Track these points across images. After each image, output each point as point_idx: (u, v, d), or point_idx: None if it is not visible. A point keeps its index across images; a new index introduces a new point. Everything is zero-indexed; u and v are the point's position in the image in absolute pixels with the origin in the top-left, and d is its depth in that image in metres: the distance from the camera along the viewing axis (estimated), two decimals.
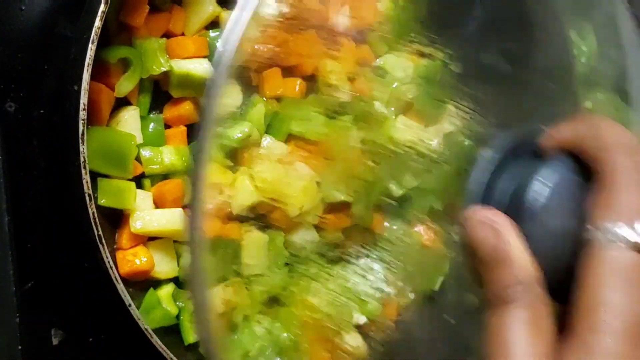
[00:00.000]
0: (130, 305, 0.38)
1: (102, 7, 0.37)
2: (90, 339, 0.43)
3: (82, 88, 0.36)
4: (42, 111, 0.42)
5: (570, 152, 0.32)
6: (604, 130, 0.31)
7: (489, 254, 0.30)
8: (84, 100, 0.36)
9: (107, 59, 0.40)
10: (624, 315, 0.28)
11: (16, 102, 0.41)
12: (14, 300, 0.39)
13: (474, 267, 0.31)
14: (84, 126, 0.37)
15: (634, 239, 0.28)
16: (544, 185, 0.31)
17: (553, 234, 0.31)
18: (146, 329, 0.39)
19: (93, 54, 0.36)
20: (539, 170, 0.32)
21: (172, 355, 0.39)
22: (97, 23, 0.37)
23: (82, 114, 0.37)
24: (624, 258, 0.28)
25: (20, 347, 0.39)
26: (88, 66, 0.36)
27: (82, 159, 0.37)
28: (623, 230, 0.28)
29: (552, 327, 0.29)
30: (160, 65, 0.41)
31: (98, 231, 0.37)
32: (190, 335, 0.41)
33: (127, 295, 0.38)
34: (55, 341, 0.42)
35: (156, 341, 0.39)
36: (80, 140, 0.37)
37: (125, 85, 0.40)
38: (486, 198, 0.33)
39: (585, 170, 0.31)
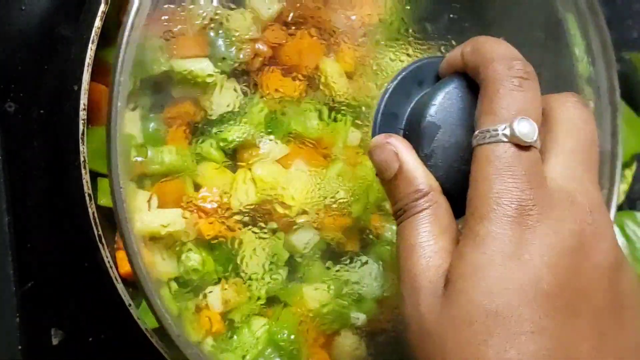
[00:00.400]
0: (130, 305, 0.38)
1: (102, 7, 0.37)
2: (90, 339, 0.43)
3: (82, 88, 0.36)
4: (42, 111, 0.42)
5: (462, 72, 0.35)
6: (482, 44, 0.34)
7: (389, 172, 0.34)
8: (84, 100, 0.36)
9: (107, 59, 0.39)
10: (508, 202, 0.30)
11: (16, 102, 0.41)
12: (14, 300, 0.39)
13: (386, 189, 0.35)
14: (84, 126, 0.37)
15: (512, 134, 0.31)
16: (436, 106, 0.35)
17: (449, 149, 0.35)
18: (146, 329, 0.39)
19: (93, 54, 0.36)
20: (433, 93, 0.36)
21: (172, 356, 0.39)
22: (97, 23, 0.37)
23: (82, 114, 0.37)
24: (504, 152, 0.31)
25: (20, 347, 0.39)
26: (88, 66, 0.36)
27: (82, 159, 0.37)
28: (503, 130, 0.31)
29: (454, 227, 0.33)
30: (160, 65, 0.41)
31: (98, 231, 0.38)
32: (190, 336, 0.41)
33: (127, 295, 0.38)
34: (55, 341, 0.42)
35: (156, 341, 0.39)
36: (80, 140, 0.37)
37: (125, 85, 0.40)
38: (390, 125, 0.37)
39: (475, 86, 0.34)
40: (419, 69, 0.38)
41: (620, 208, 0.66)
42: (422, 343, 0.31)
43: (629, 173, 0.65)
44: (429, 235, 0.32)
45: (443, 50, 0.43)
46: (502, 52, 0.33)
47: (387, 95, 0.37)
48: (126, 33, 0.36)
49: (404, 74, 0.38)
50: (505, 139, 0.31)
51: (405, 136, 0.36)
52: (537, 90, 0.33)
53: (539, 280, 0.30)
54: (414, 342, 0.32)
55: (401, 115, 0.37)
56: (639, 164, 0.67)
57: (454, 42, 0.43)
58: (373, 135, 0.37)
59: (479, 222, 0.31)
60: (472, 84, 0.35)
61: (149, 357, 0.39)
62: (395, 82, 0.37)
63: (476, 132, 0.32)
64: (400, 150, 0.34)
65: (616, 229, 0.64)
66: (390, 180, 0.34)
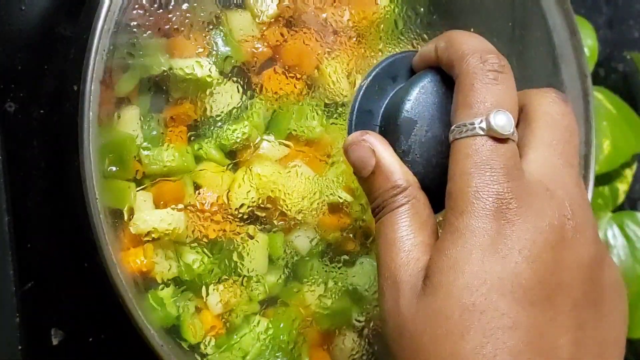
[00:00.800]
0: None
1: (105, 8, 0.37)
2: (90, 339, 0.43)
3: (87, 89, 0.36)
4: (42, 111, 0.42)
5: (436, 67, 0.35)
6: (456, 38, 0.34)
7: (366, 169, 0.34)
8: (88, 101, 0.36)
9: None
10: (486, 196, 0.30)
11: (16, 102, 0.41)
12: (14, 300, 0.39)
13: (365, 187, 0.35)
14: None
15: (489, 127, 0.31)
16: (411, 101, 0.35)
17: (427, 144, 0.35)
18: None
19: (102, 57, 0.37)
20: (408, 88, 0.36)
21: (172, 356, 0.39)
22: (99, 24, 0.37)
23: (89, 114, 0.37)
24: (481, 145, 0.31)
25: (20, 347, 0.39)
26: (92, 70, 0.36)
27: (82, 159, 0.37)
28: (479, 123, 0.31)
29: (433, 222, 0.33)
30: (160, 65, 0.41)
31: (98, 231, 0.37)
32: (190, 336, 0.41)
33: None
34: (55, 341, 0.42)
35: (156, 342, 0.39)
36: (80, 141, 0.37)
37: (125, 85, 0.40)
38: (365, 122, 0.37)
39: (450, 80, 0.34)
40: (392, 64, 0.38)
41: (620, 208, 0.66)
42: (399, 338, 0.31)
43: (629, 173, 0.65)
44: (407, 230, 0.32)
45: (415, 45, 0.43)
46: (475, 46, 0.33)
47: (361, 93, 0.37)
48: (96, 36, 0.36)
49: (377, 70, 0.38)
50: (482, 132, 0.31)
51: (381, 133, 0.36)
52: (512, 83, 0.33)
53: (517, 274, 0.30)
54: (392, 336, 0.32)
55: (376, 111, 0.37)
56: (639, 164, 0.67)
57: (425, 36, 0.43)
58: (349, 133, 0.37)
59: (458, 216, 0.31)
60: (447, 77, 0.35)
61: (149, 357, 0.39)
62: (368, 79, 0.38)
63: (453, 127, 0.32)
64: (376, 146, 0.34)
65: (616, 229, 0.64)
66: (367, 178, 0.34)
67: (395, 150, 0.35)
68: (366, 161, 0.34)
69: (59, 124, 0.41)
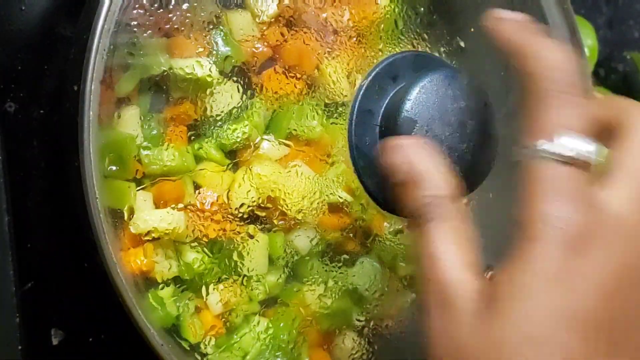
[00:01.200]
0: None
1: (105, 8, 0.37)
2: (90, 339, 0.43)
3: (87, 89, 0.36)
4: (42, 111, 0.42)
5: (437, 66, 0.36)
6: (538, 49, 0.31)
7: (404, 175, 0.32)
8: (88, 101, 0.36)
9: None
10: (557, 225, 0.29)
11: (16, 102, 0.41)
12: (14, 300, 0.39)
13: (397, 194, 0.33)
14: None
15: (566, 153, 0.29)
16: (412, 101, 0.35)
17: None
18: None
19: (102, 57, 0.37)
20: (408, 88, 0.35)
21: (172, 356, 0.39)
22: (99, 24, 0.37)
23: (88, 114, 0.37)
24: (553, 170, 0.29)
25: (20, 347, 0.39)
26: (93, 69, 0.36)
27: (82, 159, 0.37)
28: (552, 146, 0.29)
29: (475, 239, 0.31)
30: (160, 65, 0.41)
31: (98, 232, 0.37)
32: (190, 336, 0.41)
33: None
34: (55, 341, 0.42)
35: (156, 341, 0.39)
36: (80, 141, 0.37)
37: (125, 85, 0.40)
38: (366, 122, 0.37)
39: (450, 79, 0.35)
40: (392, 64, 0.38)
41: None
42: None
43: None
44: (452, 248, 0.30)
45: (415, 45, 0.43)
46: (551, 63, 0.31)
47: (361, 92, 0.37)
48: (96, 36, 0.36)
49: (377, 70, 0.38)
50: (558, 158, 0.29)
51: (381, 132, 0.36)
52: (587, 106, 0.30)
53: (587, 310, 0.28)
54: (441, 357, 0.30)
55: (376, 111, 0.37)
56: None
57: (425, 36, 0.43)
58: (349, 133, 0.37)
59: (528, 243, 0.29)
60: (448, 77, 0.35)
61: (149, 357, 0.39)
62: (369, 79, 0.37)
63: (523, 146, 0.30)
64: (414, 152, 0.32)
65: None
66: (403, 183, 0.32)
67: None
68: (406, 168, 0.32)
69: (59, 124, 0.41)
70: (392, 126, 0.35)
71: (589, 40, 0.64)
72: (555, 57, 0.31)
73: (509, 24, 0.33)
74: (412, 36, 0.43)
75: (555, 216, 0.28)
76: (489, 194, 0.44)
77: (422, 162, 0.32)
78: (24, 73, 0.41)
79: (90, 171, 0.37)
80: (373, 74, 0.37)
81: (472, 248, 0.31)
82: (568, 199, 0.29)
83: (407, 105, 0.35)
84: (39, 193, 0.42)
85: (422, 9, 0.43)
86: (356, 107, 0.37)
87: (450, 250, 0.30)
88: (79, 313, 0.43)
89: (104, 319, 0.43)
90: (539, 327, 0.28)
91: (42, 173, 0.42)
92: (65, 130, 0.39)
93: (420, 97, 0.35)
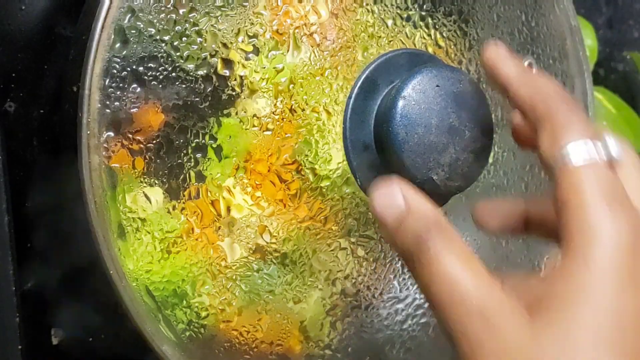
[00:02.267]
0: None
1: (106, 5, 0.37)
2: (90, 339, 0.43)
3: (85, 92, 0.36)
4: (42, 111, 0.42)
5: (429, 63, 0.36)
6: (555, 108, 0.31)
7: (392, 216, 0.30)
8: (87, 104, 0.36)
9: None
10: (615, 227, 0.27)
11: (16, 102, 0.41)
12: (14, 300, 0.39)
13: (387, 238, 0.31)
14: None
15: (604, 156, 0.28)
16: (405, 99, 0.34)
17: (420, 142, 0.34)
18: (146, 330, 0.39)
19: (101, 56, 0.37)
20: (401, 86, 0.35)
21: (172, 356, 0.39)
22: (101, 22, 0.37)
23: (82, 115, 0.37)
24: (604, 177, 0.28)
25: (20, 347, 0.39)
26: (91, 70, 0.36)
27: (82, 160, 0.37)
28: (586, 149, 0.28)
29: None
30: None
31: (98, 232, 0.37)
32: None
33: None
34: (55, 341, 0.42)
35: (157, 342, 0.39)
36: (80, 141, 0.37)
37: None
38: (359, 122, 0.37)
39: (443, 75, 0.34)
40: (385, 62, 0.38)
41: None
42: None
43: None
44: (470, 263, 0.28)
45: (410, 43, 0.42)
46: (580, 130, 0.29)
47: (355, 91, 0.37)
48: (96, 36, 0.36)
49: (370, 69, 0.37)
50: (599, 161, 0.28)
51: (375, 132, 0.36)
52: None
53: None
54: None
55: (370, 111, 0.37)
56: None
57: (420, 35, 0.43)
58: (344, 132, 0.37)
59: (583, 246, 0.27)
60: (442, 74, 0.35)
61: (149, 357, 0.39)
62: (362, 78, 0.37)
63: (554, 152, 0.29)
64: (402, 187, 0.31)
65: None
66: (392, 224, 0.30)
67: (389, 149, 0.35)
68: (394, 207, 0.30)
69: (59, 124, 0.41)
70: (385, 125, 0.35)
71: (589, 40, 0.64)
72: (554, 85, 0.31)
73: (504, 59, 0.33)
74: (405, 35, 0.43)
75: (612, 219, 0.27)
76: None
77: (414, 192, 0.31)
78: (24, 73, 0.41)
79: (88, 171, 0.37)
80: (366, 74, 0.37)
81: (478, 260, 0.29)
82: (617, 200, 0.28)
83: (401, 102, 0.35)
84: (39, 193, 0.42)
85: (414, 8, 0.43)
86: (350, 105, 0.37)
87: (468, 269, 0.28)
88: (79, 313, 0.43)
89: (104, 319, 0.43)
90: (611, 331, 0.26)
91: (42, 173, 0.42)
92: (65, 130, 0.39)
93: (414, 94, 0.34)
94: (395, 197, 0.31)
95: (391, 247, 0.32)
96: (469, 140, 0.35)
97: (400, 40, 0.42)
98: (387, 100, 0.36)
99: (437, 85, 0.35)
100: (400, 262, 0.42)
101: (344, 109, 0.37)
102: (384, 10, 0.42)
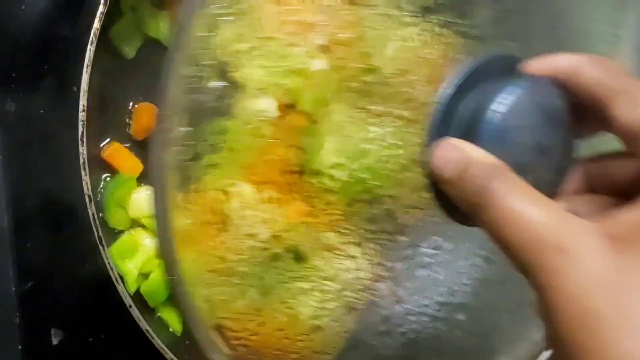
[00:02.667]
0: (130, 306, 0.38)
1: (101, 8, 0.37)
2: (90, 339, 0.43)
3: (82, 89, 0.36)
4: (42, 111, 0.42)
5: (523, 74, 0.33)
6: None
7: (454, 168, 0.31)
8: (83, 101, 0.36)
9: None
10: None
11: (16, 102, 0.41)
12: (14, 300, 0.39)
13: (452, 197, 0.31)
14: (83, 127, 0.37)
15: None
16: (499, 107, 0.32)
17: (510, 153, 0.32)
18: (147, 330, 0.39)
19: (92, 55, 0.36)
20: (494, 93, 0.33)
21: (172, 356, 0.39)
22: (96, 24, 0.37)
23: (82, 116, 0.37)
24: None
25: (20, 347, 0.39)
26: (87, 67, 0.36)
27: (82, 160, 0.37)
28: None
29: None
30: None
31: (98, 232, 0.37)
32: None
33: (128, 297, 0.38)
34: (55, 341, 0.42)
35: (157, 342, 0.39)
36: (80, 142, 0.37)
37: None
38: (446, 122, 0.34)
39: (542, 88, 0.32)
40: (479, 67, 0.36)
41: None
42: (610, 312, 0.25)
43: None
44: (541, 198, 0.28)
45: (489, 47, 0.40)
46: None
47: (446, 93, 0.35)
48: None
49: (465, 71, 0.35)
50: None
51: (462, 137, 0.35)
52: None
53: None
54: (577, 312, 0.26)
55: (458, 115, 0.35)
56: None
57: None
58: (429, 136, 0.35)
59: None
60: (539, 88, 0.33)
61: (149, 357, 0.39)
62: (455, 80, 0.35)
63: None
64: (462, 144, 0.31)
65: None
66: (454, 177, 0.31)
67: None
68: (455, 159, 0.31)
69: (59, 124, 0.41)
70: (473, 131, 0.33)
71: None
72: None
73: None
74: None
75: None
76: None
77: (467, 148, 0.31)
78: (24, 73, 0.41)
79: (88, 171, 0.37)
80: (460, 77, 0.35)
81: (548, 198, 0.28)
82: None
83: (491, 111, 0.33)
84: (39, 193, 0.42)
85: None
86: (438, 109, 0.35)
87: (540, 205, 0.28)
88: (79, 313, 0.43)
89: (104, 319, 0.43)
90: None
91: (42, 173, 0.42)
92: (65, 130, 0.39)
93: (506, 104, 0.33)
94: (456, 150, 0.31)
95: (455, 200, 0.32)
96: (555, 161, 0.33)
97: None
98: (477, 111, 0.34)
99: (537, 103, 0.33)
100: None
101: (430, 115, 0.35)
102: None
